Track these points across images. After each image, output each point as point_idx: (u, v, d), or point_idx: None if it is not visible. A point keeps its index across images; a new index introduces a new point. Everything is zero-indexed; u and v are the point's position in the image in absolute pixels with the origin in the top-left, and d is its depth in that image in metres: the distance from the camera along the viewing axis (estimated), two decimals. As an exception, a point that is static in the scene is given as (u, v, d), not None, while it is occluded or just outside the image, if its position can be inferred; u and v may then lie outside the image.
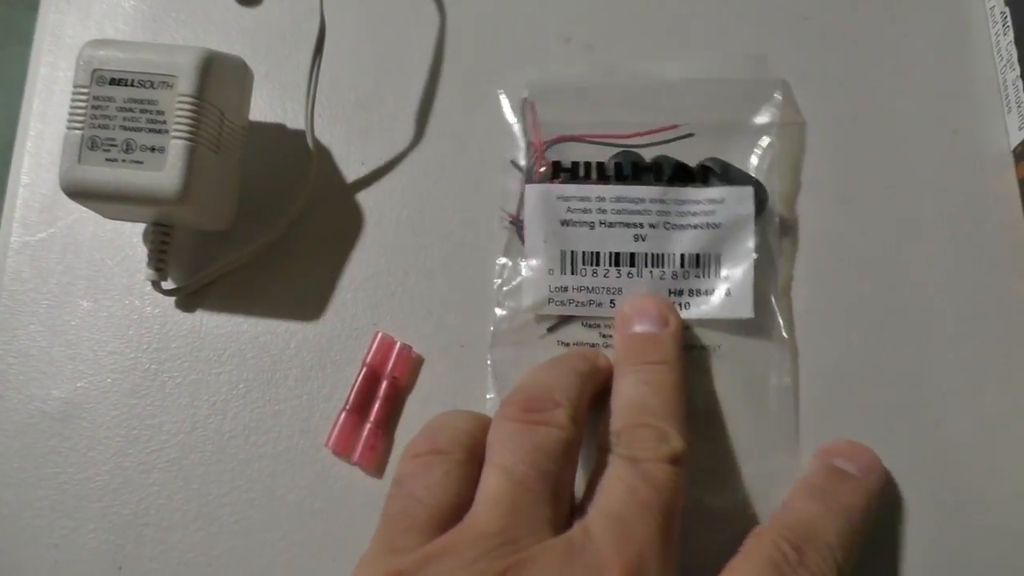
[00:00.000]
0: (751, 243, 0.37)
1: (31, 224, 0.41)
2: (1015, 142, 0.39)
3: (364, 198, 0.41)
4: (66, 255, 0.40)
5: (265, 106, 0.42)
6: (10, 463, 0.37)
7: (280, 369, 0.38)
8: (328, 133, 0.42)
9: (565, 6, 0.43)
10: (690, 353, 0.37)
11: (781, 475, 0.35)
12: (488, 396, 0.37)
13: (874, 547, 0.34)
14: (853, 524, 0.31)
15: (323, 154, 0.41)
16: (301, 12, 0.43)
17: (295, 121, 0.42)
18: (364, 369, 0.38)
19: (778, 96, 0.40)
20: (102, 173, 0.34)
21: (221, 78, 0.36)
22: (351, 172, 0.41)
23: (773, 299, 0.37)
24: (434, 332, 0.39)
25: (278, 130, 0.42)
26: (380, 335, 0.38)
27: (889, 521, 0.35)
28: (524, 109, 0.40)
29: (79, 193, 0.35)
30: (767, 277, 0.38)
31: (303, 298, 0.39)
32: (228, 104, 0.37)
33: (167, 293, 0.39)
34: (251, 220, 0.40)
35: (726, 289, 0.37)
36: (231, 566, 0.35)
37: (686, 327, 0.37)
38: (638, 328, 0.35)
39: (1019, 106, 0.39)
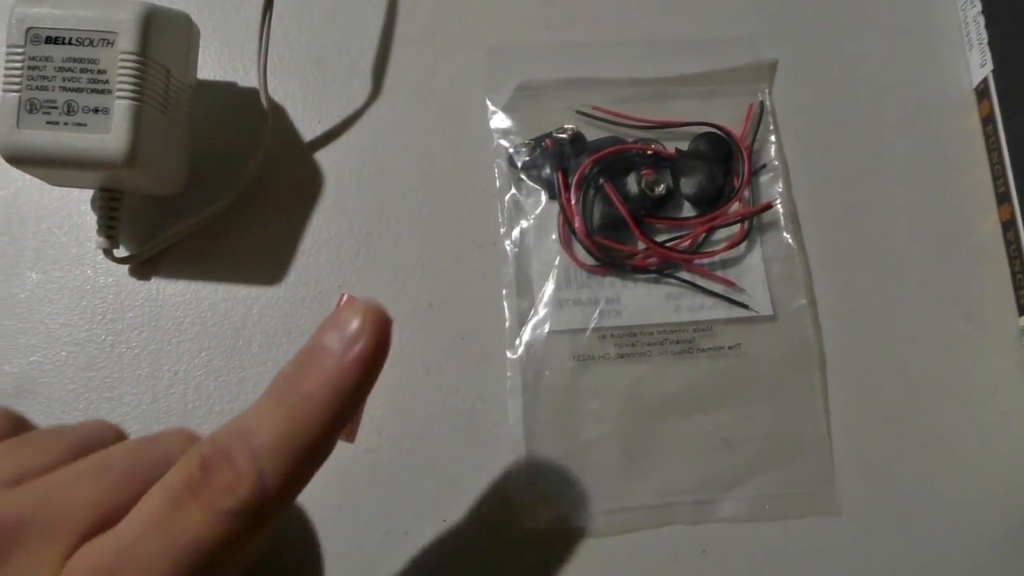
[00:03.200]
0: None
1: (-29, 195, 0.39)
2: (977, 80, 0.39)
3: (322, 157, 0.39)
4: (11, 226, 0.38)
5: (214, 64, 0.40)
6: (-37, 444, 0.36)
7: (243, 336, 0.37)
8: (281, 91, 0.40)
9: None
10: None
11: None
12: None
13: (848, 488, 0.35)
14: (307, 415, 0.25)
15: (277, 113, 0.40)
16: (247, -36, 0.41)
17: (246, 79, 0.40)
18: (330, 332, 0.37)
19: (753, 51, 0.40)
20: (43, 137, 0.33)
21: (165, 34, 0.35)
22: (307, 131, 0.40)
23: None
24: (401, 293, 0.38)
25: (228, 89, 0.40)
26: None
27: (860, 461, 0.35)
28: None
29: (20, 159, 0.33)
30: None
31: (263, 262, 0.38)
32: (174, 61, 0.35)
33: (120, 261, 0.37)
34: (204, 183, 0.38)
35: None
36: (201, 538, 0.35)
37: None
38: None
39: (980, 43, 0.39)
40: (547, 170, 0.38)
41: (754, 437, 0.35)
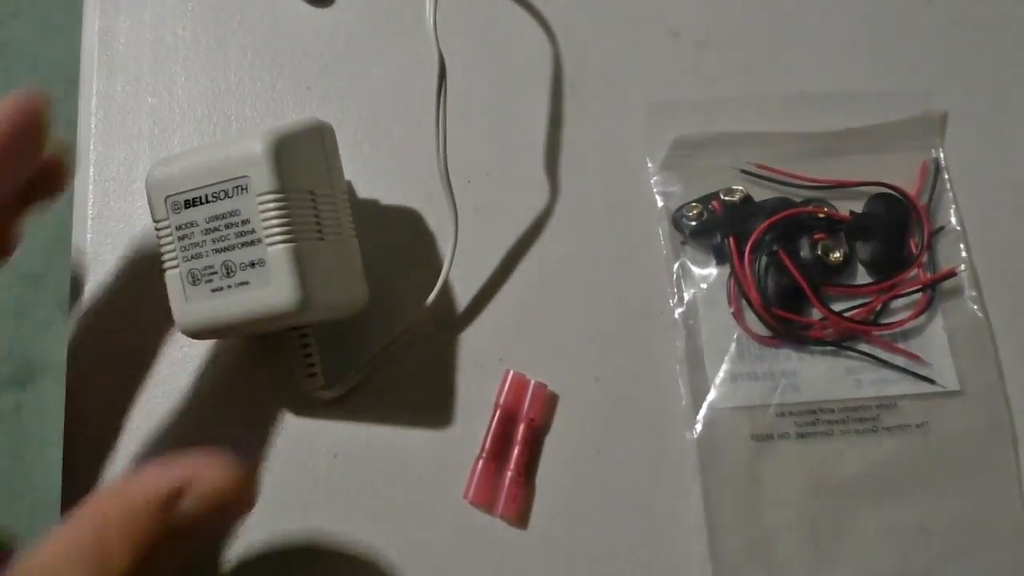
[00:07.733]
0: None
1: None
2: None
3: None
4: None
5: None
6: None
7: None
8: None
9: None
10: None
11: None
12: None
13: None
14: None
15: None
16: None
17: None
18: (498, 411, 0.36)
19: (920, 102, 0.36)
20: (213, 308, 0.32)
21: (298, 156, 0.32)
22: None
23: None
24: (566, 367, 0.37)
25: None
26: (512, 373, 0.37)
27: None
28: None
29: (199, 335, 0.33)
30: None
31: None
32: (316, 180, 0.33)
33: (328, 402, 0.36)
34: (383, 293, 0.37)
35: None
36: (376, 624, 0.36)
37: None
38: None
39: None
40: (717, 236, 0.36)
41: (948, 524, 0.34)
